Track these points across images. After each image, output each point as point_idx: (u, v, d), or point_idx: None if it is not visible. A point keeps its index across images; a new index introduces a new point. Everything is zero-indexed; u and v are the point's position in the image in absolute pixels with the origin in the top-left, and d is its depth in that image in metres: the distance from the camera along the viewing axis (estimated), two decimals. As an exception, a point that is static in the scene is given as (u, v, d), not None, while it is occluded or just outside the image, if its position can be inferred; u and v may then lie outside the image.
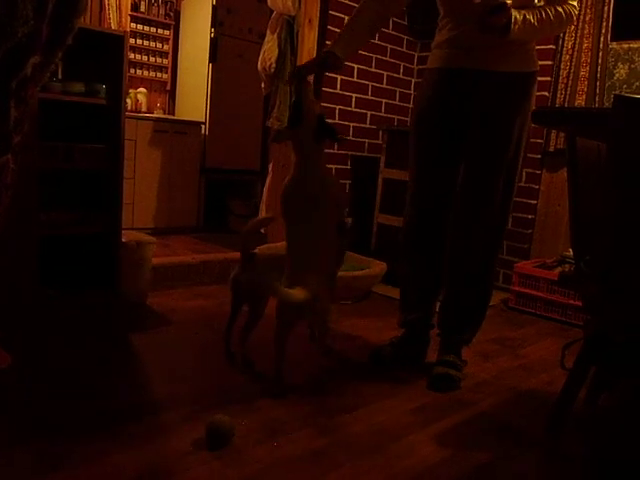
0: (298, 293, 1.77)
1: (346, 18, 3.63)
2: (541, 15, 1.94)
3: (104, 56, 2.62)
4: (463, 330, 2.19)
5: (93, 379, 1.88)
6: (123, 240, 2.63)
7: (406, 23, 4.07)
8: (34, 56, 0.89)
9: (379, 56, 3.94)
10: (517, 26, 1.89)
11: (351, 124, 3.82)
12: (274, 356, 1.86)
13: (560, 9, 1.96)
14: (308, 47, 3.48)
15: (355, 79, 3.80)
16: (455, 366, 2.12)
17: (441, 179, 2.15)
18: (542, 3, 2.01)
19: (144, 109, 4.75)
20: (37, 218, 2.40)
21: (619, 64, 3.32)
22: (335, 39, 2.22)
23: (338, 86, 3.69)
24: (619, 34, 3.31)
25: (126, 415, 1.65)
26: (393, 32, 4.00)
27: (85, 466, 1.39)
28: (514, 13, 1.88)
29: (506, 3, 1.84)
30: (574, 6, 1.98)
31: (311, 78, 2.08)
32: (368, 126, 3.95)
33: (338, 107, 3.71)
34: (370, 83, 3.91)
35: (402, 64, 4.13)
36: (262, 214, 3.76)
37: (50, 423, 1.57)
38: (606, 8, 3.21)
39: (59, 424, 1.57)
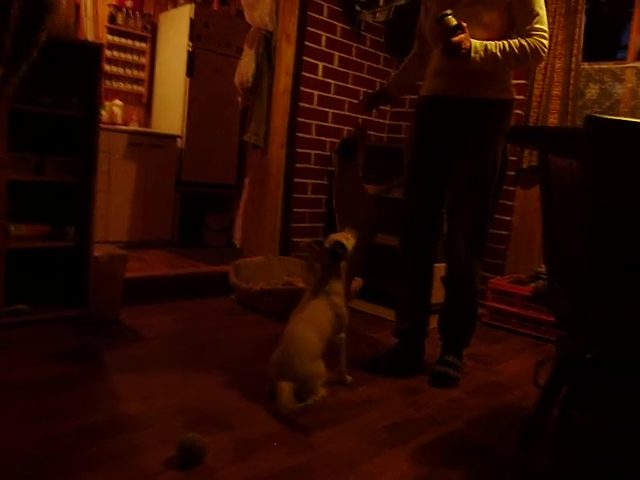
0: None
1: (323, 35, 3.66)
2: (504, 47, 2.03)
3: (80, 67, 2.60)
4: (459, 333, 2.34)
5: (60, 398, 1.83)
6: (95, 254, 2.59)
7: (383, 40, 4.11)
8: (-3, 68, 0.87)
9: (356, 72, 3.97)
10: (478, 54, 1.98)
11: (327, 139, 3.83)
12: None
13: (524, 42, 2.02)
14: (286, 62, 3.48)
15: (332, 95, 3.82)
16: (454, 366, 2.29)
17: (428, 199, 2.33)
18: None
19: (120, 121, 4.70)
20: (5, 231, 2.35)
21: (590, 84, 3.40)
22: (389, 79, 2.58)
23: (315, 102, 3.70)
24: (590, 55, 3.39)
25: (95, 434, 1.61)
26: (370, 49, 4.03)
27: (50, 488, 1.34)
28: (474, 42, 1.96)
29: (461, 24, 1.91)
30: (542, 43, 2.03)
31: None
32: (345, 141, 3.95)
33: (315, 122, 3.72)
34: (347, 99, 3.93)
35: (378, 81, 4.16)
36: (238, 228, 3.75)
37: (15, 445, 1.52)
38: (577, 30, 3.28)
39: (24, 446, 1.52)
